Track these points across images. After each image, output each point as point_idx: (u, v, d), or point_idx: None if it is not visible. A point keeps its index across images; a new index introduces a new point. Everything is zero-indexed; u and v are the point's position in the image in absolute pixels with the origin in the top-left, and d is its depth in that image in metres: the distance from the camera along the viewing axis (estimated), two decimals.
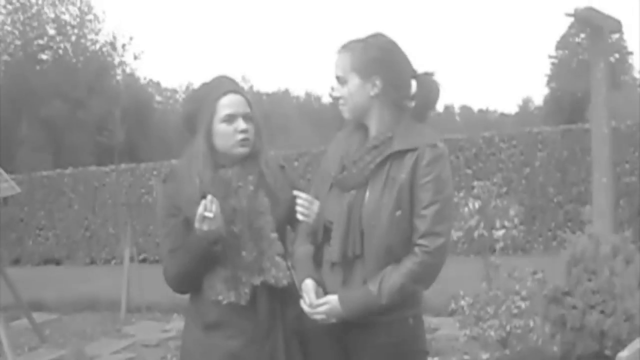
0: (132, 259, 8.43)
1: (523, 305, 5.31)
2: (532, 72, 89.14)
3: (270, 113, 47.45)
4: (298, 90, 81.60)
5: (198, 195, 2.47)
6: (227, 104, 2.56)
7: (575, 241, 5.33)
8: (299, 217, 2.51)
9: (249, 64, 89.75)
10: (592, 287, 5.09)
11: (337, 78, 2.51)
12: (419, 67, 2.55)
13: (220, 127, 2.56)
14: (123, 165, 15.24)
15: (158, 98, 44.75)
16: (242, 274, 2.51)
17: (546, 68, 44.04)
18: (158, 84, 47.68)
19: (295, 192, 2.53)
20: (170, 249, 2.58)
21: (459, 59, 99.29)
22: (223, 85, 2.62)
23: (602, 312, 5.04)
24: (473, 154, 12.63)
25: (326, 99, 58.40)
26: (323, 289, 2.46)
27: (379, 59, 2.45)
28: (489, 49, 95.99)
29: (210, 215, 2.40)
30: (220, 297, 2.52)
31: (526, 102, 59.53)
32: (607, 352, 5.06)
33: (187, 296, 2.69)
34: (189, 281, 2.58)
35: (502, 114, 62.10)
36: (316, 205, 2.52)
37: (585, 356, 5.12)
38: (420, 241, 2.35)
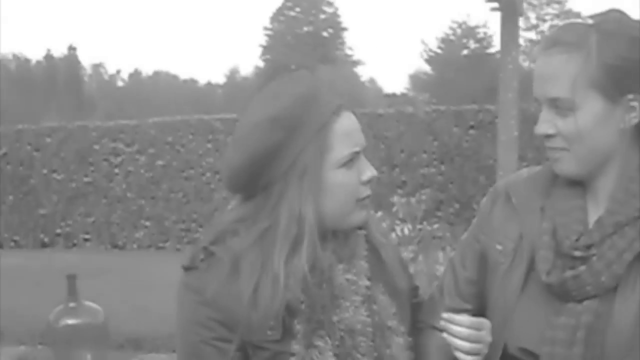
0: None
1: None
2: (240, 43, 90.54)
3: None
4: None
5: (279, 303, 1.33)
6: (348, 131, 1.40)
7: None
8: (463, 357, 1.41)
9: None
10: None
11: (553, 101, 1.39)
12: None
13: (337, 176, 1.39)
14: None
15: None
16: None
17: (261, 39, 44.56)
18: None
19: (446, 315, 1.42)
20: None
21: (166, 27, 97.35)
22: (330, 96, 1.40)
23: None
24: None
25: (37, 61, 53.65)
26: None
27: (637, 62, 1.35)
28: (195, 17, 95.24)
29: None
30: None
31: (233, 72, 60.43)
32: None
33: None
34: None
35: (210, 84, 62.90)
36: (487, 327, 1.46)
37: None
38: None
